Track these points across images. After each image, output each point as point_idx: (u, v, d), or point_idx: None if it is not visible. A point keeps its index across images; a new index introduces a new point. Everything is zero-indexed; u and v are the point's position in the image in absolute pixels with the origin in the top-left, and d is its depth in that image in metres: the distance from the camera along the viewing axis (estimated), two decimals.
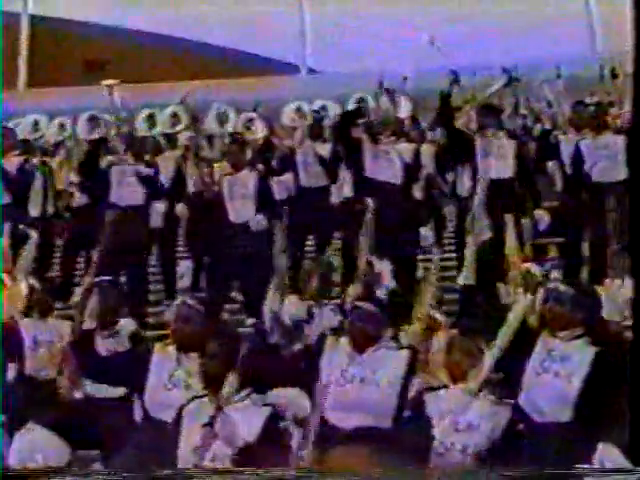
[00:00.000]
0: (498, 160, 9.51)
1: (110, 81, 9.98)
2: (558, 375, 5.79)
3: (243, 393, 4.66)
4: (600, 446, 4.99)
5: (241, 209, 8.93)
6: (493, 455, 5.00)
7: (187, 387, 5.73)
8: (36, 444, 5.25)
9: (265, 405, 4.65)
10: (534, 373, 5.77)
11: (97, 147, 9.88)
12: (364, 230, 7.89)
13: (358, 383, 5.76)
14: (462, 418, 5.12)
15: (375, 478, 4.13)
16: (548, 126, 13.61)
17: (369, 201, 8.46)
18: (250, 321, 8.08)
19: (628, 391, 4.90)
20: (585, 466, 4.47)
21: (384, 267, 8.14)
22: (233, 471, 4.48)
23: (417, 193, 10.48)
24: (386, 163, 9.79)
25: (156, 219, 9.34)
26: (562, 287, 6.25)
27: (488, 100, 10.67)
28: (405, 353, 5.90)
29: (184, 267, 10.45)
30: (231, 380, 4.65)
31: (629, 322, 5.96)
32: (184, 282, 10.37)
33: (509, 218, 8.07)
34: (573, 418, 5.77)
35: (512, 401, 5.39)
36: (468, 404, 5.15)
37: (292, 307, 7.46)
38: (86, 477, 4.69)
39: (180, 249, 10.82)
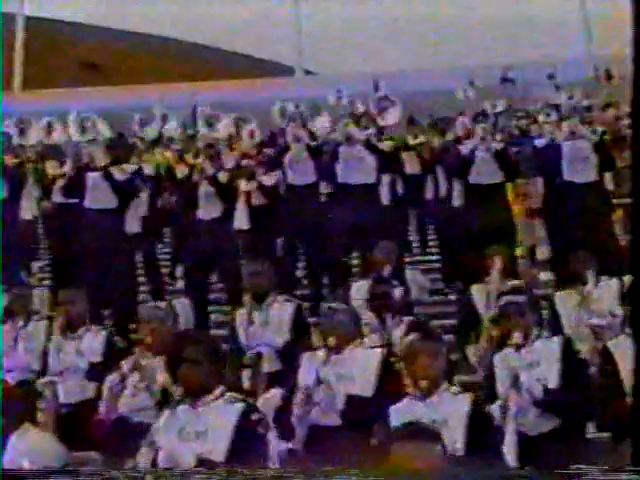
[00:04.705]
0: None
1: None
2: (534, 381, 5.74)
3: (217, 392, 4.63)
4: None
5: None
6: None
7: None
8: (33, 445, 5.23)
9: (238, 402, 4.62)
10: (509, 393, 5.69)
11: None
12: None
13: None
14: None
15: (374, 478, 4.10)
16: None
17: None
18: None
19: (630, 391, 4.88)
20: (585, 466, 4.42)
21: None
22: (229, 470, 4.46)
23: None
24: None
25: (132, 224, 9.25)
26: (516, 297, 6.29)
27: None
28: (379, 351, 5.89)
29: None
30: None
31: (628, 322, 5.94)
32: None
33: None
34: (562, 419, 5.72)
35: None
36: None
37: None
38: (84, 478, 4.66)
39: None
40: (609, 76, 19.36)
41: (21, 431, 5.20)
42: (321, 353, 5.80)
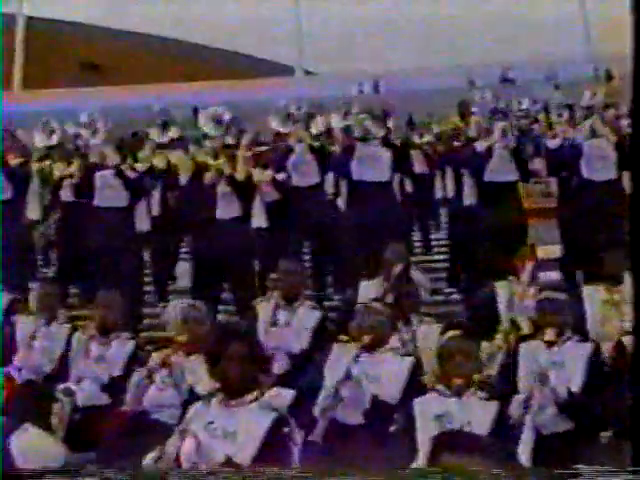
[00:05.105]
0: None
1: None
2: (556, 382, 5.72)
3: (253, 395, 4.64)
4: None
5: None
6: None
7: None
8: (32, 445, 5.23)
9: (272, 410, 4.62)
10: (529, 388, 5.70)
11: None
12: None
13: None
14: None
15: (375, 478, 4.11)
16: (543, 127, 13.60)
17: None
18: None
19: (628, 392, 4.88)
20: (585, 466, 4.44)
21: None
22: (233, 470, 4.48)
23: None
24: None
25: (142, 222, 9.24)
26: (556, 295, 6.23)
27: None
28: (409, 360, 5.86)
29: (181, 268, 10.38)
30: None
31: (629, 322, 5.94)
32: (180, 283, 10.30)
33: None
34: (577, 423, 5.71)
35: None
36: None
37: None
38: (82, 478, 4.66)
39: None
40: (609, 76, 19.40)
41: (20, 430, 5.21)
42: (353, 349, 5.76)
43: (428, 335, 6.27)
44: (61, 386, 6.27)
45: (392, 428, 5.20)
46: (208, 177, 8.66)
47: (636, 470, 4.15)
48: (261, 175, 9.19)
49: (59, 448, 5.29)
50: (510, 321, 6.52)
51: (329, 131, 10.63)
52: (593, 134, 8.93)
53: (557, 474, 4.35)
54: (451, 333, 5.11)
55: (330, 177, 9.60)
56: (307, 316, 6.79)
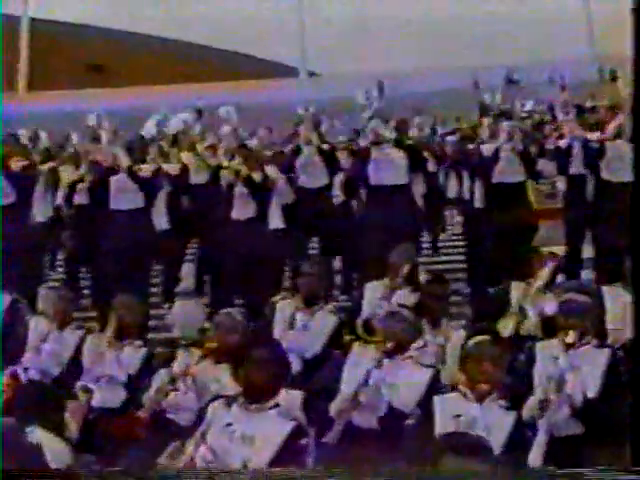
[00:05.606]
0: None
1: None
2: (573, 386, 5.71)
3: (275, 400, 4.65)
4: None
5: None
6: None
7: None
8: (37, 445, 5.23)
9: (292, 419, 4.62)
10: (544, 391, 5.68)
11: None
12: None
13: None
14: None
15: (377, 478, 4.12)
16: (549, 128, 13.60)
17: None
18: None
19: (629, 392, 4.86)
20: (585, 467, 4.43)
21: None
22: (236, 470, 4.48)
23: None
24: None
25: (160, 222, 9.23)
26: (580, 297, 6.19)
27: None
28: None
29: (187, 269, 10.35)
30: None
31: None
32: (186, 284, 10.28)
33: None
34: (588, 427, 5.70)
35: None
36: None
37: None
38: (85, 479, 4.67)
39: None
40: (614, 77, 19.38)
41: (26, 431, 5.22)
42: (373, 353, 5.73)
43: (454, 340, 6.26)
44: (79, 383, 6.26)
45: (408, 422, 5.18)
46: (225, 178, 8.65)
47: (636, 470, 4.15)
48: (276, 175, 9.19)
49: (64, 449, 5.30)
50: (519, 308, 6.50)
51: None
52: (618, 134, 8.78)
53: (558, 474, 4.36)
54: (479, 338, 5.08)
55: (338, 179, 9.61)
56: (325, 321, 6.78)
